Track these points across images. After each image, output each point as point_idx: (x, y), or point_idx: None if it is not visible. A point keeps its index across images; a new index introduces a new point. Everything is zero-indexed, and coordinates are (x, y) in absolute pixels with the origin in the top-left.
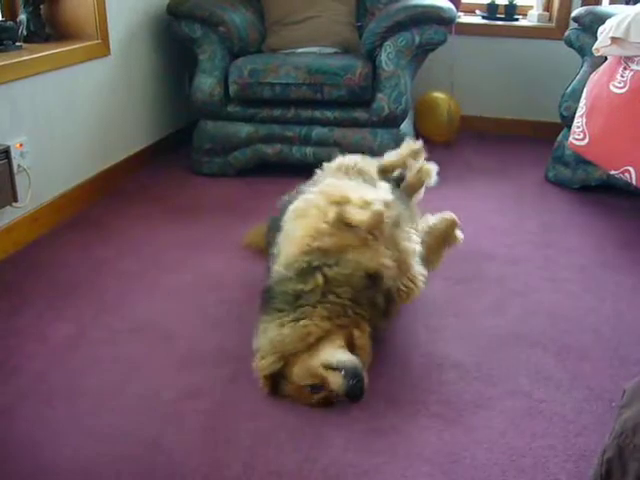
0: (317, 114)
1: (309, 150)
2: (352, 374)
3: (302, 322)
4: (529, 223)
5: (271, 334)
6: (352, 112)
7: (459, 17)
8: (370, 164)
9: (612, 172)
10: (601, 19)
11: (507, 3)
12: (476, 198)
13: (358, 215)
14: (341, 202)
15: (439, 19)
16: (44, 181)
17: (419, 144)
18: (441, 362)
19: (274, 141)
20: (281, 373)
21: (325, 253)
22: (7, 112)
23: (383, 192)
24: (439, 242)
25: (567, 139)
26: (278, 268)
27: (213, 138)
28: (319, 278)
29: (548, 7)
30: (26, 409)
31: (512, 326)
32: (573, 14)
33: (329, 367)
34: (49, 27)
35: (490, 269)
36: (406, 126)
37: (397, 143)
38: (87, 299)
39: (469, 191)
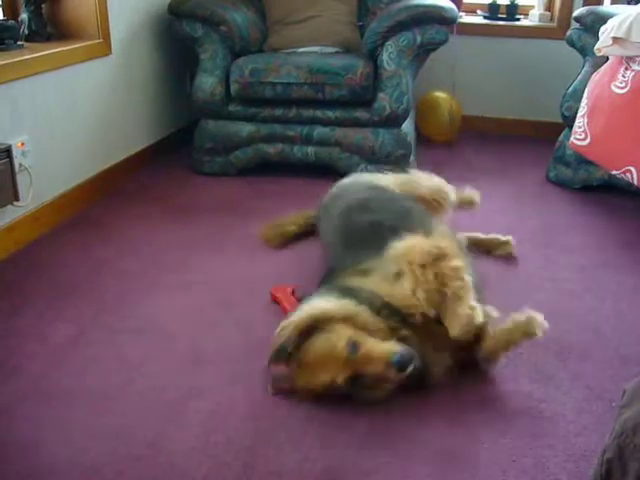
0: (318, 114)
1: (310, 150)
2: (407, 357)
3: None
4: (530, 223)
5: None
6: (353, 112)
7: (460, 17)
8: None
9: (613, 172)
10: (603, 19)
11: (508, 3)
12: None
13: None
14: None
15: (441, 19)
16: (45, 180)
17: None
18: None
19: (275, 141)
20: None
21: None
22: (8, 111)
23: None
24: None
25: (568, 139)
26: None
27: (214, 137)
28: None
29: (549, 7)
30: (26, 409)
31: None
32: (575, 14)
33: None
34: (50, 26)
35: (490, 268)
36: (407, 126)
37: (398, 143)
38: (87, 299)
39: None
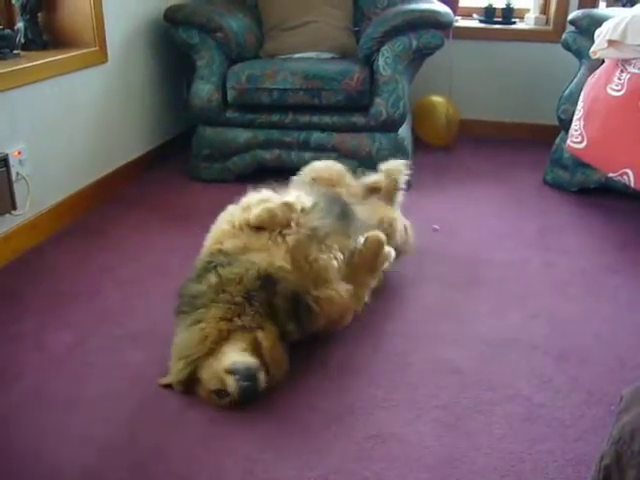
0: (315, 119)
1: (308, 155)
2: (244, 376)
3: (199, 325)
4: (528, 226)
5: (178, 338)
6: (350, 117)
7: (456, 21)
8: (343, 175)
9: (610, 175)
10: (598, 22)
11: (504, 6)
12: (474, 202)
13: (252, 214)
14: (249, 207)
15: (436, 23)
16: (43, 188)
17: (401, 163)
18: (440, 367)
19: (273, 146)
20: (195, 377)
21: (225, 254)
22: (5, 120)
23: (298, 197)
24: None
25: (565, 142)
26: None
27: (211, 144)
28: (212, 276)
29: (545, 10)
30: (27, 417)
31: (511, 330)
32: (570, 17)
33: (227, 371)
34: (47, 35)
35: (489, 273)
36: (404, 130)
37: (396, 147)
38: (87, 306)
39: (467, 195)
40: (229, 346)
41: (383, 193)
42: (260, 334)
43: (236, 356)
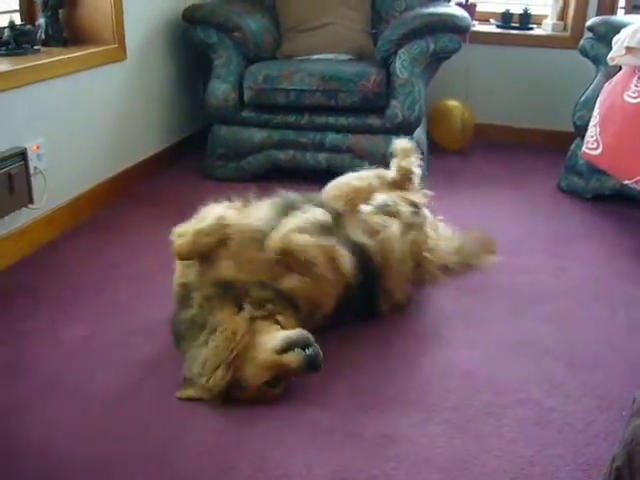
0: (331, 120)
1: (322, 156)
2: (304, 344)
3: (218, 330)
4: (541, 232)
5: (202, 355)
6: (366, 119)
7: (474, 25)
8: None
9: (626, 181)
10: (616, 28)
11: (522, 12)
12: (489, 206)
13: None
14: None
15: (454, 27)
16: (59, 183)
17: (408, 143)
18: (451, 369)
19: (288, 147)
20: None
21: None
22: (25, 114)
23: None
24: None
25: (580, 148)
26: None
27: (227, 143)
28: (194, 301)
29: (563, 16)
30: (39, 410)
31: (523, 335)
32: (588, 23)
33: (281, 351)
34: (67, 31)
35: (501, 278)
36: (419, 133)
37: None
38: (100, 301)
39: (482, 199)
40: (262, 335)
41: (400, 185)
42: (281, 317)
43: (280, 335)
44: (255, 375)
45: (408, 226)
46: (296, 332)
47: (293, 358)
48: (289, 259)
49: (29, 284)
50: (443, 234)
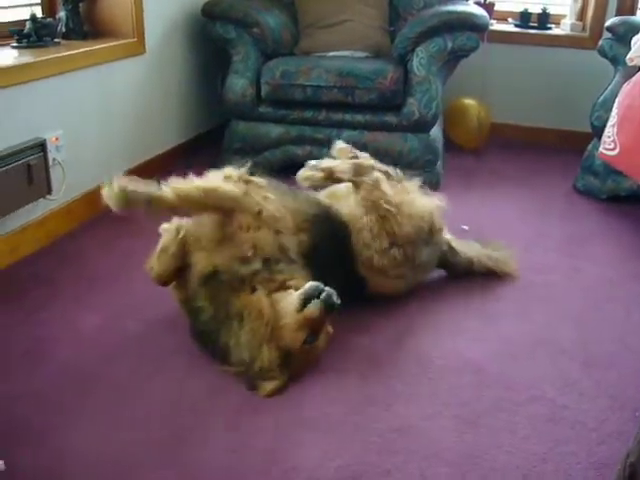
0: (347, 117)
1: None
2: (318, 292)
3: (245, 315)
4: (556, 232)
5: (243, 342)
6: (382, 116)
7: (492, 24)
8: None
9: None
10: (635, 29)
11: (540, 12)
12: (504, 205)
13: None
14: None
15: (472, 26)
16: (78, 175)
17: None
18: (463, 365)
19: (304, 143)
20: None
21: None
22: (44, 106)
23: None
24: None
25: (597, 149)
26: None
27: (244, 138)
28: (201, 304)
29: (581, 16)
30: (55, 397)
31: (536, 333)
32: (607, 24)
33: (301, 308)
34: (87, 25)
35: (516, 276)
36: (436, 131)
37: (426, 148)
38: (116, 291)
39: (497, 198)
40: (281, 303)
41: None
42: (293, 282)
43: (295, 295)
44: (293, 339)
45: (357, 184)
46: (306, 286)
47: (313, 309)
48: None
49: (46, 274)
50: (418, 199)
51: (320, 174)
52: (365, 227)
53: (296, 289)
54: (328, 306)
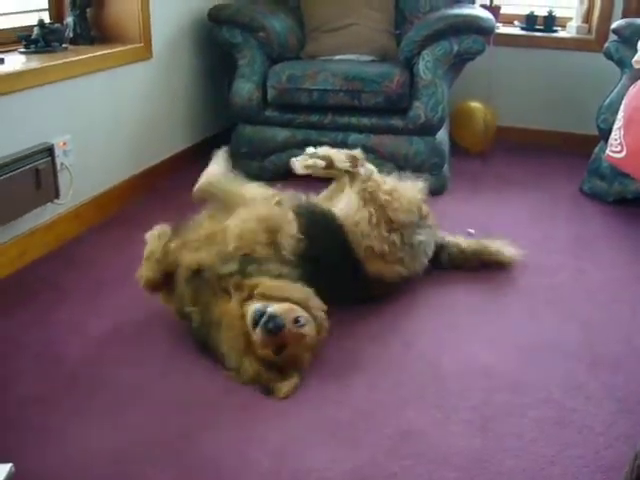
0: (354, 120)
1: None
2: (258, 316)
3: (223, 324)
4: (562, 234)
5: (225, 352)
6: (389, 119)
7: (498, 27)
8: None
9: None
10: None
11: (546, 14)
12: (510, 208)
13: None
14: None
15: (478, 29)
16: (85, 179)
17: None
18: (470, 368)
19: (311, 146)
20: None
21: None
22: (52, 111)
23: None
24: None
25: (604, 151)
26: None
27: (250, 142)
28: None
29: (587, 19)
30: (63, 400)
31: (543, 335)
32: (613, 26)
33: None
34: (94, 30)
35: (522, 278)
36: (442, 135)
37: (433, 151)
38: (124, 295)
39: (503, 201)
40: (247, 315)
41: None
42: (259, 289)
43: (248, 315)
44: (262, 354)
45: (352, 175)
46: (251, 310)
47: (258, 333)
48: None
49: (55, 278)
50: (404, 185)
51: (321, 163)
52: (363, 218)
53: (261, 297)
54: (268, 330)
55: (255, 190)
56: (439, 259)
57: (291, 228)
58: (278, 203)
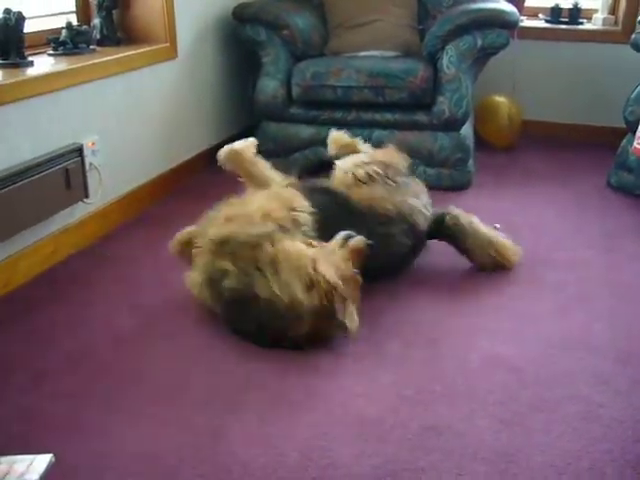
0: (378, 117)
1: None
2: (349, 235)
3: (280, 260)
4: (590, 228)
5: (281, 287)
6: (413, 115)
7: (522, 21)
8: None
9: None
10: None
11: (571, 6)
12: (536, 202)
13: None
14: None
15: (502, 23)
16: (113, 179)
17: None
18: (499, 364)
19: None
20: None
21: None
22: (81, 111)
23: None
24: None
25: (631, 144)
26: None
27: (275, 139)
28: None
29: (614, 10)
30: (94, 396)
31: (572, 330)
32: None
33: (343, 244)
34: (121, 31)
35: (550, 273)
36: (466, 130)
37: (457, 146)
38: (152, 293)
39: (529, 195)
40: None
41: None
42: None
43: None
44: (347, 267)
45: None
46: (340, 234)
47: (357, 241)
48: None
49: (85, 275)
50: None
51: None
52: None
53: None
54: (365, 244)
55: (273, 173)
56: (443, 235)
57: (304, 204)
58: (290, 185)
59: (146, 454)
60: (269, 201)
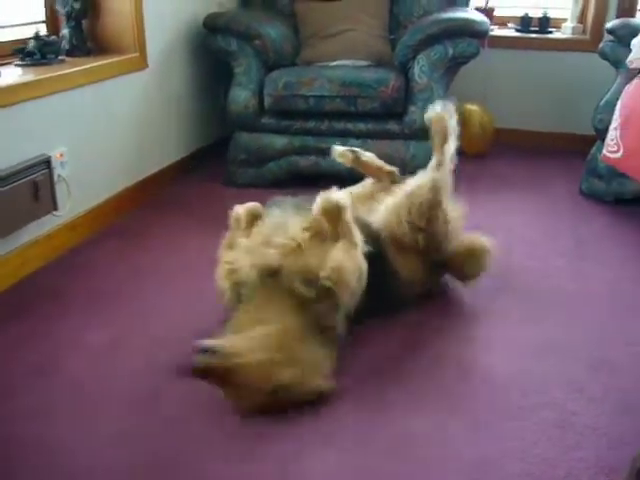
0: (350, 126)
1: None
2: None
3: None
4: (562, 235)
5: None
6: (385, 124)
7: (492, 30)
8: None
9: None
10: (636, 31)
11: (541, 16)
12: (508, 210)
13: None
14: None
15: (472, 32)
16: (82, 191)
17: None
18: (473, 372)
19: (308, 153)
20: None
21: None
22: (49, 123)
23: None
24: None
25: (601, 151)
26: None
27: (248, 149)
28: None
29: (582, 19)
30: (62, 412)
31: (545, 338)
32: (607, 26)
33: None
34: (90, 41)
35: (522, 280)
36: None
37: (429, 155)
38: (123, 306)
39: (501, 203)
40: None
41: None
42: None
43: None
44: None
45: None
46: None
47: None
48: None
49: (53, 288)
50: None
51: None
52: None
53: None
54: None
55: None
56: None
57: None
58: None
59: (115, 471)
60: (349, 263)
